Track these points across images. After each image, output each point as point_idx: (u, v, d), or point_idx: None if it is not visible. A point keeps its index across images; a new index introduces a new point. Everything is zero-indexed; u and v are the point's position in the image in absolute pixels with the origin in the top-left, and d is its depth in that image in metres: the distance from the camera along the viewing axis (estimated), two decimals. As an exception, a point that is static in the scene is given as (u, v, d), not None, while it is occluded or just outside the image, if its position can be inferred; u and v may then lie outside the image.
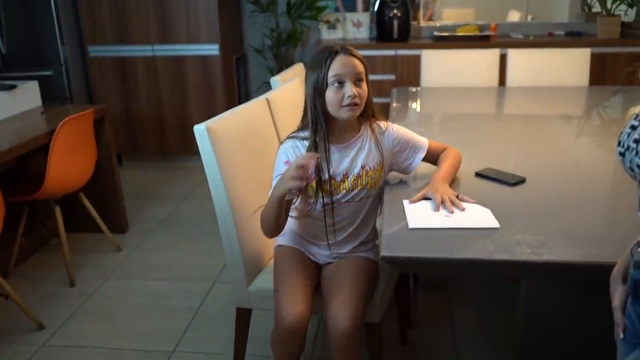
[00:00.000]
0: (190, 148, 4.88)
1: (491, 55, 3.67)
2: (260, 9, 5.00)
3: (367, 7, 5.21)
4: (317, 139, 1.82)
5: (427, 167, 1.98)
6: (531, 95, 3.37)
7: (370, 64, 4.48)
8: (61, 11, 4.45)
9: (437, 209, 1.66)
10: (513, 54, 3.67)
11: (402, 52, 4.61)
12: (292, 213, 1.95)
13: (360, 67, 1.79)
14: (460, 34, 4.84)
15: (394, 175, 2.00)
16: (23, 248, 3.34)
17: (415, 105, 3.29)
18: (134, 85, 4.87)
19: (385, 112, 2.16)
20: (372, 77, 2.02)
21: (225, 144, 1.97)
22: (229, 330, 2.30)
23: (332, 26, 5.12)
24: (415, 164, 1.96)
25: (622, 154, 1.11)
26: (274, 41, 5.05)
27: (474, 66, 3.68)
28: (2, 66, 4.44)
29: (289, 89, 2.67)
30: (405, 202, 1.74)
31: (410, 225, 1.58)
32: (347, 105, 1.77)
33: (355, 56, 1.80)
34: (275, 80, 2.95)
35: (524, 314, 1.69)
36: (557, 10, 5.30)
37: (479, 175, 1.96)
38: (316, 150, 1.82)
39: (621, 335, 1.15)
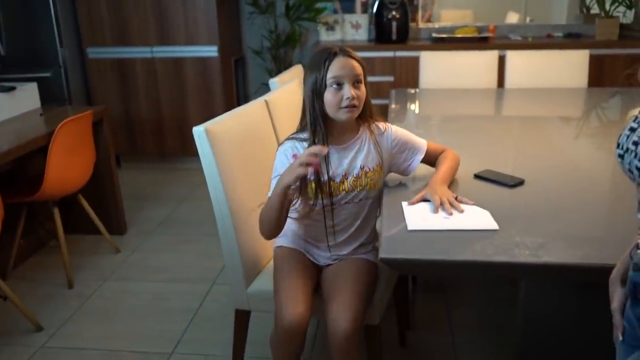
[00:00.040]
0: (189, 149, 4.88)
1: (490, 57, 3.67)
2: (259, 10, 5.00)
3: (365, 8, 5.22)
4: (315, 141, 1.82)
5: (425, 169, 1.98)
6: (530, 96, 3.38)
7: (369, 66, 4.48)
8: (60, 13, 4.45)
9: (436, 211, 1.65)
10: (512, 56, 3.67)
11: (400, 53, 4.62)
12: (293, 214, 1.95)
13: (358, 69, 1.79)
14: (459, 35, 4.84)
15: (392, 177, 2.00)
16: (21, 249, 3.34)
17: (414, 107, 3.29)
18: (133, 87, 4.87)
19: (384, 114, 2.16)
20: (370, 78, 2.02)
21: (224, 145, 1.97)
22: (227, 332, 2.30)
23: (330, 28, 5.12)
24: (414, 165, 1.97)
25: (621, 156, 1.11)
26: (273, 43, 5.06)
27: (472, 68, 3.68)
28: (1, 68, 4.43)
29: (287, 90, 2.67)
30: (404, 204, 1.73)
31: (409, 227, 1.58)
32: (346, 107, 1.77)
33: (354, 58, 1.80)
34: (274, 82, 2.95)
35: (523, 316, 1.69)
36: (556, 12, 5.31)
37: (477, 176, 1.96)
38: None
39: (620, 338, 1.15)
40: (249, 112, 2.25)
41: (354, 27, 5.13)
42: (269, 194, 1.80)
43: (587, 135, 2.69)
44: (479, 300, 2.90)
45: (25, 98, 3.44)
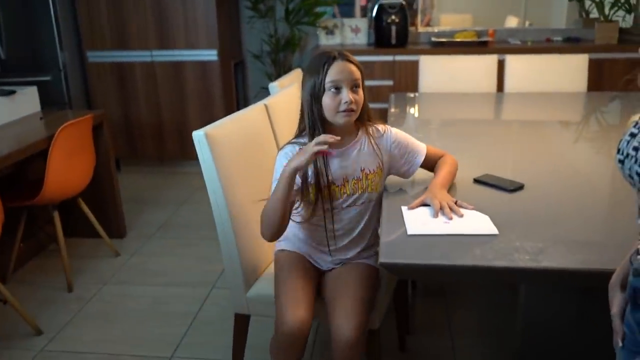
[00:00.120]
0: (188, 153, 4.88)
1: (489, 61, 3.68)
2: (259, 14, 5.01)
3: (365, 13, 5.23)
4: None
5: (425, 173, 1.98)
6: (529, 101, 3.38)
7: (368, 70, 4.50)
8: (60, 17, 4.45)
9: (435, 215, 1.66)
10: (511, 60, 3.67)
11: (400, 57, 4.62)
12: (295, 218, 1.95)
13: (357, 73, 1.80)
14: (458, 39, 4.85)
15: (392, 182, 2.00)
16: (21, 253, 3.34)
17: (413, 111, 3.29)
18: (133, 91, 4.87)
19: (383, 118, 2.16)
20: (370, 82, 2.03)
21: (224, 150, 1.98)
22: (227, 336, 2.30)
23: (330, 32, 5.13)
24: (414, 168, 1.97)
25: (621, 162, 1.11)
26: (273, 47, 5.06)
27: (472, 72, 3.69)
28: (1, 72, 4.44)
29: (287, 94, 2.68)
30: (404, 209, 1.74)
31: (409, 232, 1.58)
32: (344, 111, 1.78)
33: (352, 62, 1.81)
34: (273, 86, 2.95)
35: (523, 321, 1.70)
36: (555, 16, 5.31)
37: (477, 181, 1.96)
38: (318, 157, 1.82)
39: (620, 344, 1.15)
40: (249, 117, 2.25)
41: (354, 32, 5.14)
42: (281, 172, 1.77)
43: (587, 140, 2.69)
44: (479, 304, 2.90)
45: (25, 102, 3.44)
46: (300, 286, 1.86)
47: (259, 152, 2.21)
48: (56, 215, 3.11)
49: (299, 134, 1.92)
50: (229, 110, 4.77)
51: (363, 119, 1.91)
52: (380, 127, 1.95)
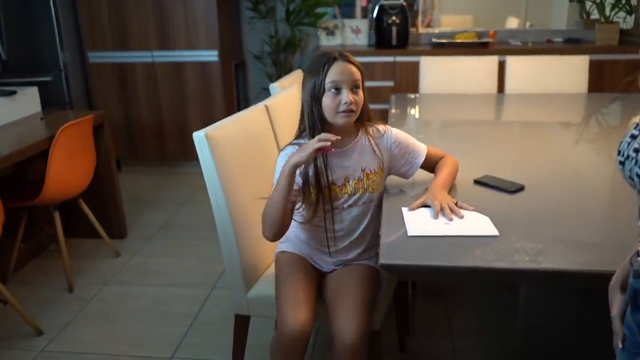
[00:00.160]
0: (189, 154, 4.88)
1: (490, 62, 3.68)
2: (259, 15, 5.01)
3: (365, 13, 5.23)
4: None
5: (425, 174, 1.98)
6: (530, 102, 3.38)
7: (369, 71, 4.50)
8: (61, 17, 4.46)
9: (436, 217, 1.66)
10: (511, 61, 3.67)
11: (400, 58, 4.62)
12: (297, 218, 1.95)
13: (357, 74, 1.80)
14: (459, 40, 4.85)
15: (392, 183, 2.00)
16: (22, 253, 3.34)
17: (414, 112, 3.29)
18: (134, 91, 4.87)
19: (383, 119, 2.17)
20: (370, 83, 2.04)
21: (225, 151, 1.98)
22: (227, 337, 2.30)
23: (331, 33, 5.13)
24: (415, 169, 1.97)
25: (622, 163, 1.11)
26: (273, 47, 5.06)
27: (472, 73, 3.69)
28: (2, 72, 4.44)
29: (288, 95, 2.68)
30: (404, 210, 1.74)
31: (409, 233, 1.58)
32: (343, 112, 1.78)
33: (353, 63, 1.81)
34: (274, 86, 2.96)
35: (523, 322, 1.70)
36: (556, 17, 5.31)
37: (477, 182, 1.96)
38: (317, 157, 1.83)
39: (620, 345, 1.15)
40: (249, 117, 2.25)
41: (354, 32, 5.14)
42: (282, 169, 1.77)
43: (587, 141, 2.69)
44: (479, 305, 2.90)
45: (26, 102, 3.44)
46: (301, 288, 1.86)
47: (260, 153, 2.21)
48: (57, 216, 3.11)
49: (299, 135, 1.92)
50: (229, 111, 4.78)
51: (363, 119, 1.91)
52: (381, 127, 1.95)
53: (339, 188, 1.87)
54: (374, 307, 1.90)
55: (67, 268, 3.10)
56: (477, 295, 2.98)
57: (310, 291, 1.89)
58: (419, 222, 1.64)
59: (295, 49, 5.10)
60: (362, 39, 5.15)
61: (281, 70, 5.08)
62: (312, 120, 1.82)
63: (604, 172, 2.15)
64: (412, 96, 3.67)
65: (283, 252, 2.04)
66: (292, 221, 1.90)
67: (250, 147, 2.15)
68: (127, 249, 3.58)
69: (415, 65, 3.90)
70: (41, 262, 3.46)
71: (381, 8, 4.73)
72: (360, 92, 1.82)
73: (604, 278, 1.23)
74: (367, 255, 2.00)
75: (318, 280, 1.98)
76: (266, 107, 2.36)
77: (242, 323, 2.15)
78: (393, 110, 3.20)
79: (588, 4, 4.94)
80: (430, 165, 1.97)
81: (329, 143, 1.67)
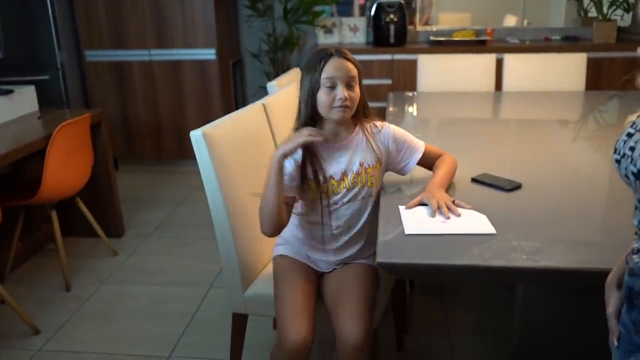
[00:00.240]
0: (186, 152, 4.88)
1: (487, 60, 3.68)
2: (257, 13, 5.01)
3: (363, 11, 5.22)
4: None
5: (423, 172, 1.98)
6: (527, 100, 3.38)
7: (367, 69, 4.50)
8: (58, 16, 4.45)
9: (433, 215, 1.66)
10: (509, 59, 3.67)
11: (398, 56, 4.62)
12: (294, 219, 1.95)
13: (353, 71, 1.80)
14: (457, 38, 4.85)
15: (390, 181, 2.00)
16: (19, 252, 3.34)
17: (412, 110, 3.29)
18: (131, 90, 4.87)
19: (381, 117, 2.16)
20: (368, 81, 2.04)
21: (222, 149, 1.97)
22: (225, 336, 2.30)
23: (328, 31, 5.12)
24: (411, 165, 1.97)
25: (618, 162, 1.11)
26: (271, 46, 5.06)
27: (470, 71, 3.69)
28: (-1, 71, 4.44)
29: (285, 94, 2.67)
30: (402, 208, 1.74)
31: (407, 231, 1.58)
32: (338, 107, 1.78)
33: (349, 60, 1.81)
34: (272, 85, 2.95)
35: (520, 320, 1.70)
36: (554, 15, 5.31)
37: (475, 180, 1.96)
38: (312, 152, 1.83)
39: (615, 343, 1.15)
40: (247, 116, 2.25)
41: (352, 30, 5.13)
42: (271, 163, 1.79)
43: (585, 139, 2.69)
44: (477, 304, 2.90)
45: (23, 101, 3.44)
46: (300, 299, 1.84)
47: (257, 152, 2.20)
48: (54, 215, 3.10)
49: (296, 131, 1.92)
50: (227, 109, 4.77)
51: (360, 115, 1.91)
52: (379, 123, 1.96)
53: (337, 182, 1.86)
54: (374, 305, 1.90)
55: (65, 267, 3.10)
56: (474, 293, 2.98)
57: (310, 300, 1.87)
58: (416, 220, 1.64)
59: (293, 47, 5.10)
60: (359, 37, 5.14)
61: (279, 69, 5.07)
62: (307, 115, 1.83)
63: (601, 169, 2.15)
64: (410, 94, 3.67)
65: (281, 256, 2.03)
66: (290, 221, 1.89)
67: (247, 146, 2.15)
68: (124, 248, 3.58)
69: (413, 63, 3.90)
70: (38, 261, 3.46)
71: (379, 6, 4.73)
72: (357, 88, 1.82)
73: (600, 276, 1.23)
74: (365, 253, 1.99)
75: (317, 283, 1.97)
76: (264, 105, 2.36)
77: (239, 322, 2.15)
78: (391, 108, 3.20)
79: (586, 2, 4.94)
80: (429, 162, 1.97)
81: (319, 138, 1.71)
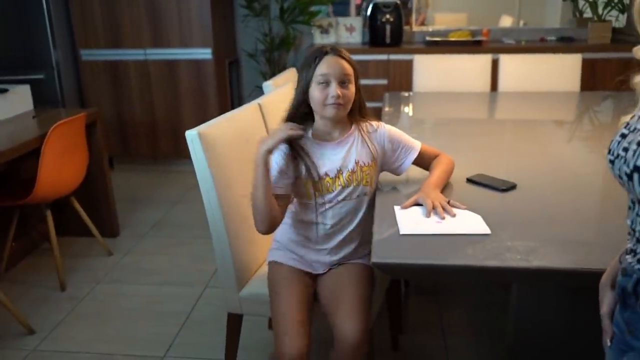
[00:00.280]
0: (182, 152, 4.87)
1: (483, 61, 3.69)
2: (253, 13, 5.00)
3: (359, 11, 5.22)
4: (304, 137, 1.85)
5: (419, 172, 1.98)
6: (523, 100, 3.39)
7: (363, 69, 4.50)
8: (53, 15, 4.44)
9: (428, 215, 1.66)
10: (505, 59, 3.68)
11: (394, 56, 4.62)
12: (289, 219, 1.95)
13: (348, 70, 1.80)
14: (453, 39, 4.86)
15: (385, 180, 2.00)
16: (14, 252, 3.33)
17: (408, 110, 3.29)
18: (126, 89, 4.86)
19: (377, 117, 2.17)
20: (364, 81, 2.03)
21: (217, 149, 1.97)
22: (220, 336, 2.30)
23: (325, 31, 5.13)
24: (407, 165, 1.97)
25: (612, 162, 1.11)
26: (267, 46, 5.06)
27: (466, 71, 3.69)
28: (-6, 70, 4.43)
29: (281, 93, 2.67)
30: (397, 208, 1.74)
31: (402, 231, 1.58)
32: (331, 104, 1.78)
33: (344, 58, 1.81)
34: (267, 84, 2.95)
35: (515, 320, 1.70)
36: (549, 16, 5.33)
37: (470, 181, 1.96)
38: (303, 149, 1.85)
39: (609, 343, 1.16)
40: (243, 116, 2.25)
41: (348, 30, 5.14)
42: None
43: (580, 139, 2.70)
44: (472, 304, 2.90)
45: (18, 100, 3.43)
46: (296, 312, 1.81)
47: (253, 152, 2.18)
48: (49, 214, 3.09)
49: None
50: (223, 109, 4.77)
51: (355, 114, 1.91)
52: (374, 123, 1.96)
53: (331, 180, 1.86)
54: (370, 305, 1.90)
55: (59, 267, 3.09)
56: (469, 293, 2.98)
57: (307, 312, 1.85)
58: (411, 220, 1.64)
59: (289, 47, 5.10)
60: (356, 37, 5.15)
61: (275, 69, 5.07)
62: (302, 112, 1.83)
63: (596, 170, 2.15)
64: (406, 94, 3.68)
65: (275, 262, 2.01)
66: (282, 224, 1.90)
67: (243, 146, 2.14)
68: (119, 248, 3.57)
69: (409, 64, 3.90)
70: (33, 260, 3.45)
71: (375, 6, 4.73)
72: (352, 87, 1.82)
73: (595, 276, 1.23)
74: (360, 253, 1.99)
75: (313, 287, 1.96)
76: (259, 105, 2.36)
77: (234, 322, 2.14)
78: (387, 108, 3.20)
79: (581, 3, 4.95)
80: (425, 162, 1.98)
81: (300, 132, 1.76)
